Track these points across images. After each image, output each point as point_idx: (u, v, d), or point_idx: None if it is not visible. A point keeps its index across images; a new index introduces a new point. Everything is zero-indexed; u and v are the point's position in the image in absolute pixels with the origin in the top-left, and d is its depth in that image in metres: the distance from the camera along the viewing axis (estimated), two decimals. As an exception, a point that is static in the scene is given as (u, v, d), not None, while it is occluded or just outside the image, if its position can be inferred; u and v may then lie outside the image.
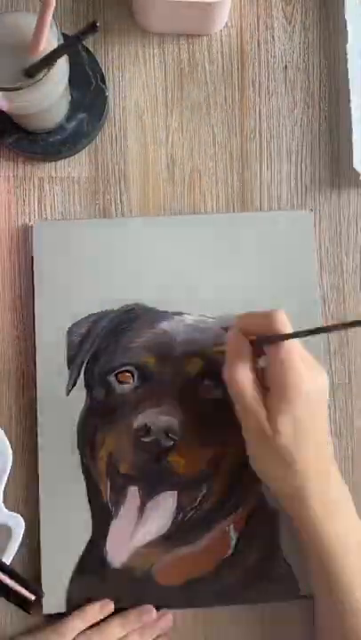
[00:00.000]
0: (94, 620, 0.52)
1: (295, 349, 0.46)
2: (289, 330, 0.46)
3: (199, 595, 0.53)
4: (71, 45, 0.45)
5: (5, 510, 0.52)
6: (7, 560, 0.51)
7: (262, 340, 0.47)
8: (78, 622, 0.51)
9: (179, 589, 0.53)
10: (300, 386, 0.46)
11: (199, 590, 0.53)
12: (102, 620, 0.52)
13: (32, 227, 0.56)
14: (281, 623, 0.54)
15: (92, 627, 0.52)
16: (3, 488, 0.53)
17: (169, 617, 0.53)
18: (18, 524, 0.52)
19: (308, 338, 0.55)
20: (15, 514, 0.52)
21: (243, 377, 0.47)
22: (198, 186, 0.58)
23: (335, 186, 0.58)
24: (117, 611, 0.52)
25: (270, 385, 0.47)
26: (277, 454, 0.46)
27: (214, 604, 0.53)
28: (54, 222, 0.56)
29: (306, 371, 0.46)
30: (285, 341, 0.46)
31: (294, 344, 0.46)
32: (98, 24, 0.42)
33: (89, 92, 0.56)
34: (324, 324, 0.56)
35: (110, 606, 0.52)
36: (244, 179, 0.58)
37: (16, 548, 0.51)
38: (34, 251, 0.55)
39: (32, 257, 0.55)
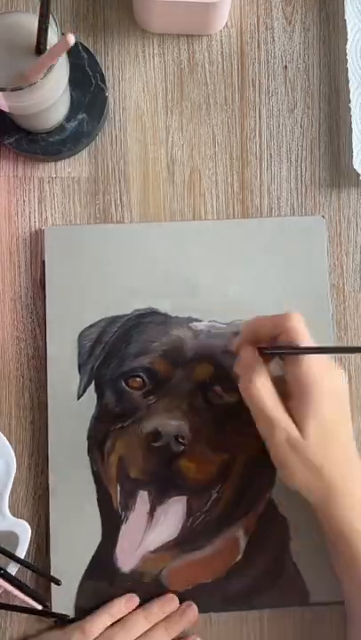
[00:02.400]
0: (121, 615, 0.51)
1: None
2: (304, 330, 0.46)
3: (208, 600, 0.53)
4: None
5: (12, 517, 0.52)
6: (16, 566, 0.51)
7: (275, 352, 0.47)
8: (106, 617, 0.51)
9: (188, 594, 0.53)
10: (323, 387, 0.45)
11: (209, 595, 0.52)
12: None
13: (44, 231, 0.55)
14: (280, 627, 0.54)
15: (116, 622, 0.51)
16: (8, 495, 0.52)
17: (193, 609, 0.52)
18: (24, 531, 0.52)
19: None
20: (22, 521, 0.52)
21: (260, 389, 0.46)
22: (198, 186, 0.58)
23: (335, 186, 0.58)
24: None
25: (292, 390, 0.46)
26: (307, 459, 0.45)
27: (224, 609, 0.53)
28: (66, 227, 0.56)
29: (326, 371, 0.46)
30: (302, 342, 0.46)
31: (309, 344, 0.46)
32: None
33: (89, 92, 0.56)
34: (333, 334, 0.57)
35: (135, 600, 0.52)
36: (244, 179, 0.58)
37: (23, 555, 0.51)
38: (46, 256, 0.55)
39: (43, 261, 0.55)
